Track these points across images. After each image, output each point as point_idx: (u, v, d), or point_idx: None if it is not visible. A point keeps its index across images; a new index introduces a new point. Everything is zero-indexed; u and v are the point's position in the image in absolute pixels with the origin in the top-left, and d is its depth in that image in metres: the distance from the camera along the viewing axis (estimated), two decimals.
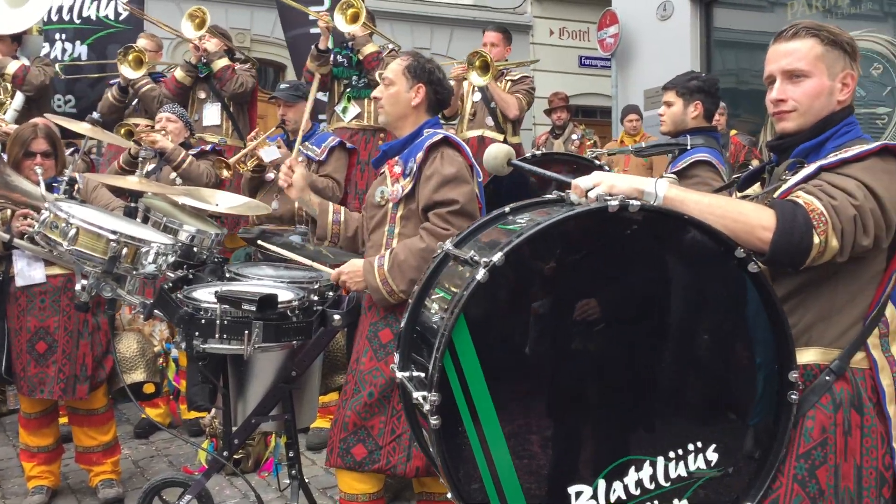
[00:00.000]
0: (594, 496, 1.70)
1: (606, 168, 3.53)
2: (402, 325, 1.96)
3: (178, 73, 5.90)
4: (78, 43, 6.80)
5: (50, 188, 3.64)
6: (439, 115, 3.07)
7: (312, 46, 5.71)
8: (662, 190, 1.74)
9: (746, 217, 1.72)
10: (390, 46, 6.05)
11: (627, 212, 1.63)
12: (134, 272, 2.88)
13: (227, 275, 3.21)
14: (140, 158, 4.28)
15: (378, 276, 2.74)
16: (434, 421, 1.62)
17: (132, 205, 3.62)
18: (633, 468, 1.72)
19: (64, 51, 6.75)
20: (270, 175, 4.78)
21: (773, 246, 1.70)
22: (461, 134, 5.98)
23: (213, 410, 3.74)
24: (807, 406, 1.81)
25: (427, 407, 1.63)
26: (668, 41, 9.06)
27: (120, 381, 3.66)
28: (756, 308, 1.74)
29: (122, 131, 5.73)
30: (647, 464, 1.73)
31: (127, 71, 5.89)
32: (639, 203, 1.64)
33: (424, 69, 2.92)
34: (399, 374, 1.89)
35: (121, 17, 6.86)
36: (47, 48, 6.76)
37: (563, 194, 1.87)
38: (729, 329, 1.79)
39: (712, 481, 1.77)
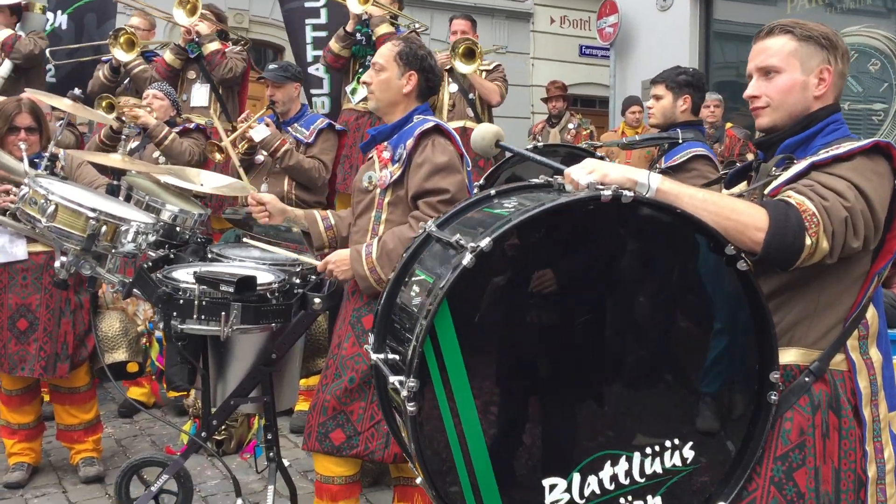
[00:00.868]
0: (568, 489, 1.67)
1: (606, 159, 3.51)
2: (379, 305, 1.92)
3: (168, 56, 5.77)
4: (59, 12, 6.70)
5: (33, 164, 3.59)
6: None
7: (340, 28, 5.59)
8: (655, 182, 1.72)
9: (740, 216, 1.70)
10: (416, 26, 5.94)
11: (620, 202, 1.59)
12: (113, 250, 2.85)
13: (210, 255, 3.17)
14: (123, 136, 4.22)
15: (366, 265, 2.71)
16: (411, 407, 1.59)
17: (115, 182, 3.57)
18: (608, 463, 1.70)
19: (47, 20, 6.64)
20: (260, 157, 4.72)
21: (766, 246, 1.67)
22: None
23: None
24: (785, 407, 1.79)
25: (405, 393, 1.59)
26: (667, 32, 9.01)
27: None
28: (736, 303, 1.72)
29: (104, 104, 5.66)
30: (623, 459, 1.71)
31: (120, 54, 5.81)
32: (632, 194, 1.61)
33: (417, 56, 2.85)
34: (374, 356, 1.85)
35: None
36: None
37: (550, 179, 1.83)
38: (706, 323, 1.76)
39: (687, 479, 1.75)
